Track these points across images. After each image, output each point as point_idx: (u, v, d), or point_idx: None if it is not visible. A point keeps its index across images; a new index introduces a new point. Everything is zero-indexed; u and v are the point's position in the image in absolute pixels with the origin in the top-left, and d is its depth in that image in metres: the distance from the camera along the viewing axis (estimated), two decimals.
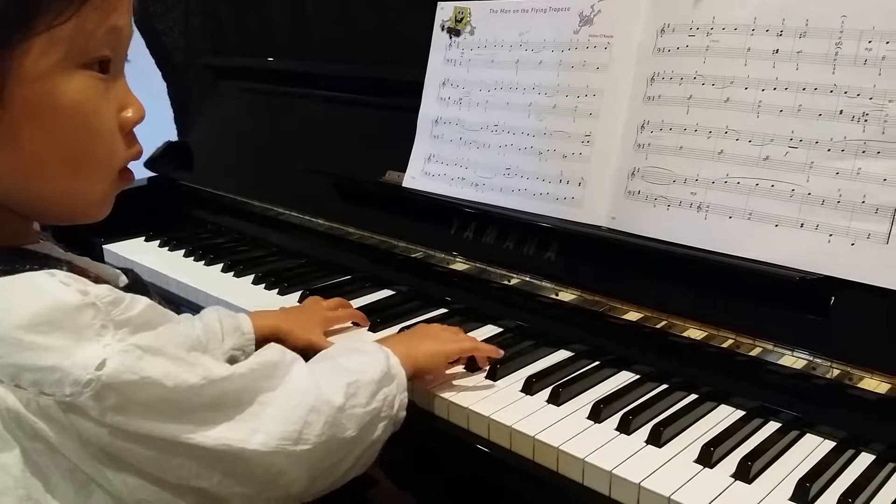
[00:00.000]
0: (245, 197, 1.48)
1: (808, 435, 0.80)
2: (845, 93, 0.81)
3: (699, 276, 0.88)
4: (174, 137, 1.75)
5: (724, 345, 0.85)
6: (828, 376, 0.78)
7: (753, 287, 0.84)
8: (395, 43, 1.42)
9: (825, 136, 0.82)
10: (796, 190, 0.84)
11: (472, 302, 1.10)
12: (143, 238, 1.52)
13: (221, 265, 1.34)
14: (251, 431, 0.65)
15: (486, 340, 1.00)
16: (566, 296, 0.99)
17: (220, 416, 0.64)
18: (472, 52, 1.18)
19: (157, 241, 1.50)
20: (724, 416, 0.84)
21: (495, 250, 1.07)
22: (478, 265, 1.09)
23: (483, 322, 1.07)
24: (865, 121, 0.80)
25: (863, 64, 0.81)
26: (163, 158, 1.61)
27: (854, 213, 0.80)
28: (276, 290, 1.22)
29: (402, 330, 1.03)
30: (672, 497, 0.70)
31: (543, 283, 1.02)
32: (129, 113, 0.65)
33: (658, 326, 0.91)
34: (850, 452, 0.76)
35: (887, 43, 0.79)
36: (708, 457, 0.75)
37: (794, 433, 0.80)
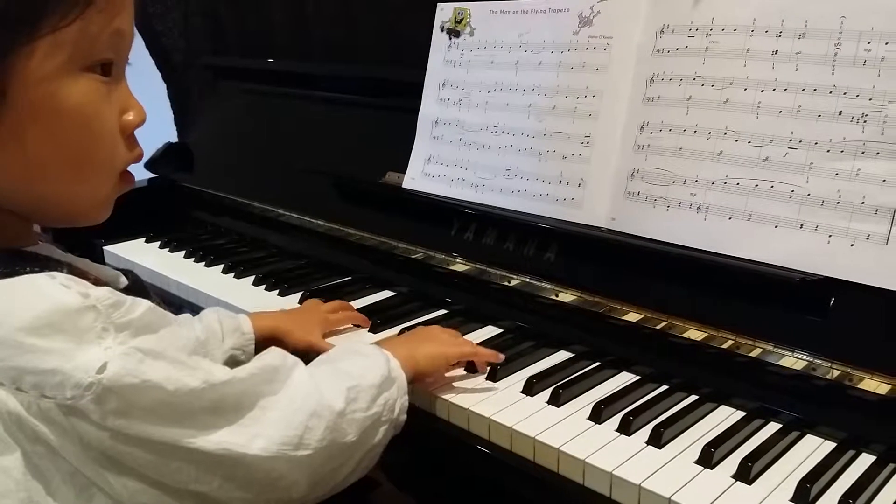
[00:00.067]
0: (245, 198, 1.48)
1: (808, 436, 0.80)
2: (844, 94, 0.81)
3: (699, 276, 0.88)
4: (174, 138, 1.75)
5: (725, 346, 0.85)
6: (828, 377, 0.78)
7: (753, 288, 0.84)
8: (395, 43, 1.42)
9: (824, 136, 0.82)
10: (796, 191, 0.84)
11: (473, 303, 1.10)
12: (144, 239, 1.52)
13: (222, 266, 1.34)
14: (252, 436, 0.65)
15: (487, 341, 1.00)
16: (566, 297, 0.99)
17: (221, 421, 0.64)
18: (471, 53, 1.18)
19: (158, 243, 1.50)
20: (724, 416, 0.84)
21: (495, 251, 1.07)
22: (478, 266, 1.09)
23: (483, 323, 1.07)
24: (865, 122, 0.80)
25: (862, 65, 0.81)
26: (163, 159, 1.60)
27: (853, 214, 0.80)
28: (277, 292, 1.22)
29: (402, 331, 1.03)
30: (672, 498, 0.70)
31: (543, 284, 1.02)
32: (130, 116, 0.65)
33: (658, 327, 0.91)
34: (850, 453, 0.76)
35: (886, 44, 0.79)
36: (708, 458, 0.75)
37: (794, 434, 0.80)
